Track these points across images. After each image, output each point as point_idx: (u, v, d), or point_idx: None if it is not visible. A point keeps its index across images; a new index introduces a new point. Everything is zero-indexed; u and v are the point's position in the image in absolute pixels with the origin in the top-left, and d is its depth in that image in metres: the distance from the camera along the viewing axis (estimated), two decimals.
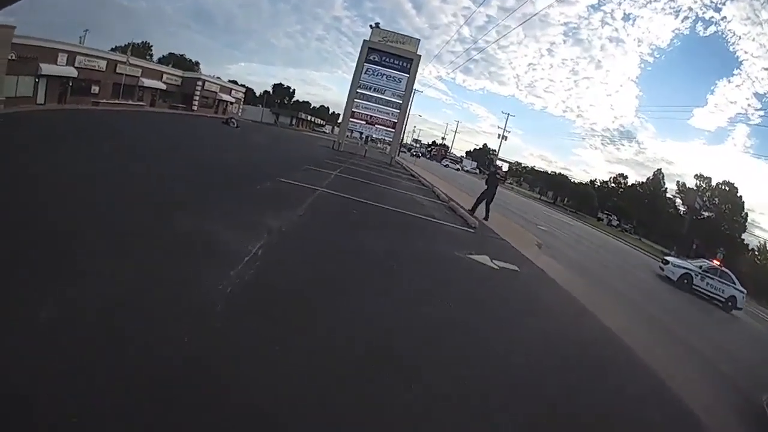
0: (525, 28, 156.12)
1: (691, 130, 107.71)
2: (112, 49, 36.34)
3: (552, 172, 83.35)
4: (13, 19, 31.22)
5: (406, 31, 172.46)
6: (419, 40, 32.57)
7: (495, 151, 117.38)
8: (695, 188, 56.76)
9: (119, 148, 12.02)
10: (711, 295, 16.24)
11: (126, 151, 11.37)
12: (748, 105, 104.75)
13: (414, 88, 32.79)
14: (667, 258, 18.95)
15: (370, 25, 31.82)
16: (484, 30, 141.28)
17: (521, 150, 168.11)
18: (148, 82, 40.06)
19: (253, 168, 12.51)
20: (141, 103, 38.96)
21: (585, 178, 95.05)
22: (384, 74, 31.26)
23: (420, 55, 32.25)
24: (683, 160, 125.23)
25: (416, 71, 32.23)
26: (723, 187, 55.71)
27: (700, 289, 16.09)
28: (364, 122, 31.51)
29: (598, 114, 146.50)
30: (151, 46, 78.30)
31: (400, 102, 31.68)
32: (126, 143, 13.74)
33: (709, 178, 56.80)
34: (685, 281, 16.18)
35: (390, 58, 31.33)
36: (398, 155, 32.23)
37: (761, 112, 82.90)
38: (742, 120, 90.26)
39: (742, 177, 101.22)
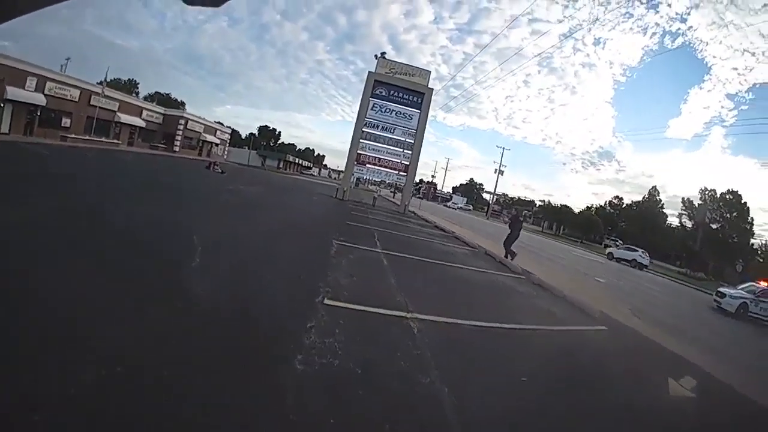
0: (501, 62, 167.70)
1: (668, 142, 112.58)
2: (98, 84, 33.65)
3: (556, 204, 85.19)
4: (7, 43, 29.00)
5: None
6: (429, 72, 30.86)
7: (482, 184, 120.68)
8: (703, 203, 57.93)
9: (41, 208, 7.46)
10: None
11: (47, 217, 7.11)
12: (721, 107, 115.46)
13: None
14: (721, 290, 18.49)
15: (375, 55, 30.04)
16: (461, 66, 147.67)
17: (504, 181, 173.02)
18: (125, 118, 37.74)
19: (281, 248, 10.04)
20: (116, 141, 36.21)
21: (568, 202, 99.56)
22: (393, 110, 29.06)
23: (432, 89, 30.43)
24: (663, 172, 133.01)
25: (428, 106, 30.19)
26: (728, 197, 56.59)
27: (755, 315, 16.23)
28: (372, 165, 28.84)
29: (576, 138, 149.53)
30: (138, 83, 78.13)
31: (412, 142, 29.25)
32: (68, 193, 10.69)
33: (714, 190, 57.96)
34: (742, 311, 16.33)
35: (399, 92, 29.31)
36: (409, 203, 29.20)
37: (734, 112, 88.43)
38: (716, 123, 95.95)
39: (722, 177, 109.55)
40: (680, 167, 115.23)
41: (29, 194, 8.48)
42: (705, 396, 5.38)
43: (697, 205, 58.98)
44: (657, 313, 12.36)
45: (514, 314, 7.41)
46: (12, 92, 26.65)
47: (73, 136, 29.99)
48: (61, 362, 2.86)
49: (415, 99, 29.53)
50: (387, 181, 35.10)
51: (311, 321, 4.58)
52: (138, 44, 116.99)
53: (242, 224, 10.33)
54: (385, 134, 28.94)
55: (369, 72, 29.20)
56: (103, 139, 33.73)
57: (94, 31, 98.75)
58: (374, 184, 69.13)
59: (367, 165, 28.92)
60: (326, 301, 5.35)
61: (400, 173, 29.39)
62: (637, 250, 37.26)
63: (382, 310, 5.56)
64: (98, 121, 33.54)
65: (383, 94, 28.92)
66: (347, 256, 8.58)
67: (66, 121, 31.50)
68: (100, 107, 33.54)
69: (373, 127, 28.74)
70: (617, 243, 58.33)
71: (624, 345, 7.04)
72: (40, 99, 28.89)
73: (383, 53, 30.01)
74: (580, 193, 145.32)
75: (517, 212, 18.52)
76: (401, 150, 29.19)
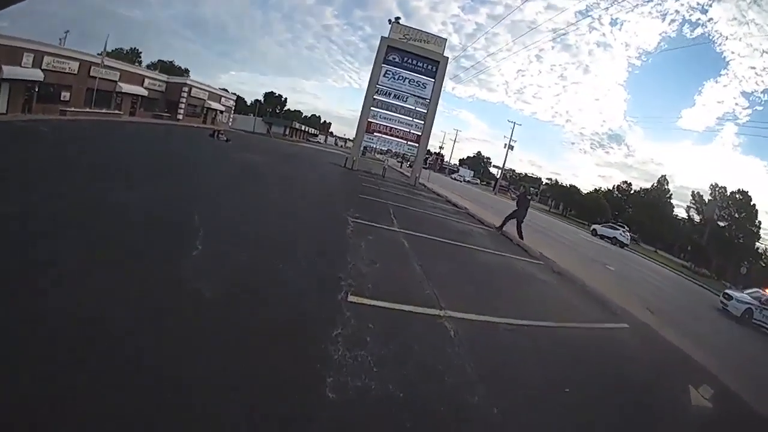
0: (514, 35, 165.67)
1: (679, 132, 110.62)
2: (98, 54, 32.73)
3: (564, 184, 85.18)
4: (5, 24, 28.28)
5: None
6: (445, 39, 29.49)
7: (489, 158, 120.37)
8: (713, 199, 57.94)
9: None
10: None
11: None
12: (736, 104, 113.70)
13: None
14: (729, 292, 18.35)
15: (389, 20, 28.69)
16: (473, 38, 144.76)
17: (512, 156, 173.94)
18: (127, 88, 36.72)
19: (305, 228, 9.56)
20: (117, 111, 35.40)
21: (575, 183, 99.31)
22: (406, 78, 27.94)
23: (447, 57, 29.17)
24: (672, 161, 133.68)
25: (443, 76, 29.08)
26: (738, 196, 56.50)
27: (759, 322, 16.08)
28: (382, 135, 27.96)
29: (586, 118, 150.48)
30: (140, 52, 76.83)
31: (425, 111, 28.26)
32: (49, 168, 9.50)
33: (724, 188, 57.69)
34: (746, 316, 16.25)
35: (413, 59, 28.12)
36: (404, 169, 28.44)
37: (748, 111, 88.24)
38: (729, 119, 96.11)
39: (730, 175, 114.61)
40: (689, 159, 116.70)
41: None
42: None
43: (707, 201, 58.72)
44: (669, 309, 12.29)
45: (543, 309, 7.01)
46: (8, 71, 25.86)
47: (72, 109, 29.24)
48: None
49: (429, 67, 28.39)
50: (394, 151, 34.38)
51: (336, 326, 4.10)
52: (141, 13, 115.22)
53: (249, 201, 9.74)
54: (397, 102, 27.95)
55: (382, 37, 27.98)
56: (104, 110, 32.97)
57: (94, 3, 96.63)
58: (380, 153, 68.43)
59: (377, 134, 28.06)
60: (350, 298, 4.89)
61: (411, 143, 28.55)
62: (618, 229, 38.67)
63: (413, 308, 5.13)
64: (99, 92, 32.64)
65: (396, 60, 27.77)
66: (365, 237, 8.12)
67: (65, 95, 30.66)
68: (100, 78, 32.58)
69: (385, 94, 27.73)
70: (623, 229, 58.46)
71: (649, 349, 6.85)
72: (37, 75, 28.06)
73: (397, 18, 28.65)
74: (586, 174, 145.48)
75: (525, 189, 18.10)
76: (413, 120, 28.26)
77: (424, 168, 72.10)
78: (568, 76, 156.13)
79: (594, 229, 40.82)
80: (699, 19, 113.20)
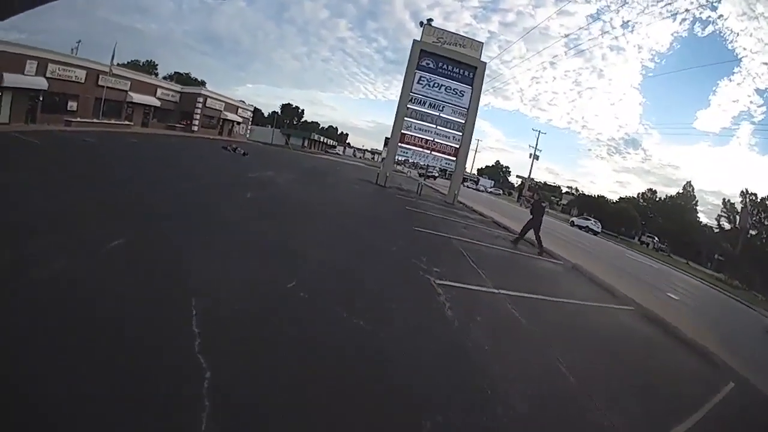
0: (527, 42, 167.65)
1: (695, 133, 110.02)
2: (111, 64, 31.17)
3: (588, 193, 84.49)
4: (23, 36, 26.85)
5: (409, 50, 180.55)
6: (482, 43, 26.88)
7: (507, 167, 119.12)
8: (744, 206, 55.71)
9: None
10: None
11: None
12: (751, 102, 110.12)
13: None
14: None
15: (421, 22, 26.23)
16: (487, 47, 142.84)
17: (528, 163, 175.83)
18: (138, 98, 34.94)
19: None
20: (128, 122, 33.57)
21: (592, 190, 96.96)
22: (442, 85, 25.35)
23: (485, 63, 26.54)
24: (689, 164, 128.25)
25: (481, 82, 26.40)
26: None
27: None
28: (417, 147, 25.34)
29: (602, 124, 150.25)
30: (157, 65, 76.42)
31: (463, 122, 25.63)
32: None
33: (755, 194, 55.61)
34: None
35: (448, 64, 25.58)
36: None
37: (763, 108, 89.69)
38: (745, 118, 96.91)
39: (748, 175, 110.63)
40: (707, 161, 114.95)
41: None
42: None
43: (739, 209, 56.51)
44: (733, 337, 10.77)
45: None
46: (10, 79, 24.25)
47: (78, 119, 27.46)
48: None
49: (465, 73, 25.82)
50: (411, 161, 31.99)
51: None
52: (156, 27, 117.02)
53: (286, 250, 6.95)
54: (432, 112, 25.33)
55: (414, 40, 25.50)
56: (113, 121, 31.14)
57: (110, 17, 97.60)
58: (398, 164, 66.06)
59: (411, 147, 25.40)
60: None
61: (449, 157, 25.85)
62: (590, 219, 46.56)
63: None
64: (108, 102, 30.94)
65: (430, 66, 25.27)
66: (469, 315, 5.66)
67: (72, 105, 28.95)
68: (109, 87, 30.87)
69: (420, 103, 25.12)
70: (653, 240, 59.45)
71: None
72: (41, 83, 26.46)
73: (429, 20, 26.23)
74: (604, 180, 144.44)
75: (539, 197, 17.48)
76: (450, 131, 25.63)
77: (444, 178, 70.52)
78: (583, 82, 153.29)
79: (572, 221, 47.54)
80: (709, 16, 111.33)
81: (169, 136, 34.37)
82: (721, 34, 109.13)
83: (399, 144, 25.01)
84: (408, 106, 24.90)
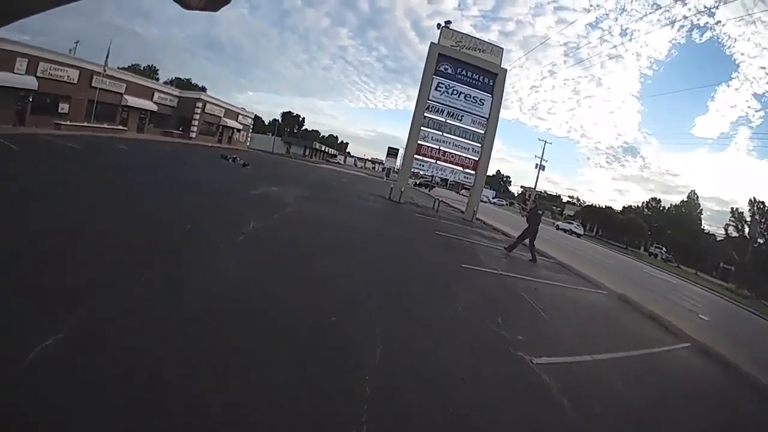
0: (526, 50, 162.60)
1: (694, 140, 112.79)
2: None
3: (594, 204, 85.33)
4: (26, 37, 25.39)
5: (411, 60, 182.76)
6: (502, 49, 25.37)
7: (508, 176, 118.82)
8: (753, 215, 55.30)
9: None
10: None
11: None
12: (749, 107, 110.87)
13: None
14: None
15: (438, 25, 24.66)
16: None
17: (528, 173, 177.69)
18: (134, 101, 33.32)
19: None
20: (122, 127, 31.91)
21: (591, 198, 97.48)
22: (461, 93, 23.76)
23: (506, 70, 25.06)
24: (688, 171, 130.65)
25: (502, 91, 24.88)
26: None
27: None
28: (434, 159, 23.67)
29: (601, 132, 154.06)
30: (157, 69, 75.33)
31: (483, 133, 24.01)
32: None
33: (763, 203, 55.13)
34: None
35: (468, 70, 24.07)
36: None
37: (761, 113, 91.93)
38: (743, 123, 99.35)
39: (746, 181, 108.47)
40: (706, 167, 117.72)
41: None
42: None
43: (749, 219, 55.90)
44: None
45: None
46: None
47: (68, 123, 25.79)
48: None
49: (486, 80, 24.35)
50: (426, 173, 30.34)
51: None
52: (158, 32, 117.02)
53: (300, 295, 5.37)
54: (451, 122, 23.73)
55: (431, 43, 23.98)
56: (106, 125, 29.44)
57: (112, 21, 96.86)
58: (395, 173, 64.98)
59: (428, 158, 23.73)
60: None
61: (468, 171, 24.17)
62: (573, 223, 54.79)
63: None
64: (101, 105, 29.34)
65: (449, 71, 23.74)
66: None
67: (63, 107, 27.32)
68: (103, 89, 29.28)
69: (437, 112, 23.54)
70: (661, 251, 61.07)
71: None
72: (31, 82, 24.85)
73: (448, 22, 24.64)
74: (603, 188, 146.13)
75: (535, 204, 16.73)
76: (469, 142, 24.02)
77: (446, 188, 69.08)
78: (582, 90, 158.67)
79: (557, 225, 53.60)
80: (707, 22, 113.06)
81: (165, 143, 32.48)
82: (719, 40, 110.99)
83: (414, 156, 23.34)
84: (425, 114, 23.29)
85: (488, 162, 24.58)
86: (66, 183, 9.65)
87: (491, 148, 24.46)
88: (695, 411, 5.12)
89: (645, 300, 11.84)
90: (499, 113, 24.60)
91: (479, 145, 23.97)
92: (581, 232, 51.60)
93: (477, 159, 23.99)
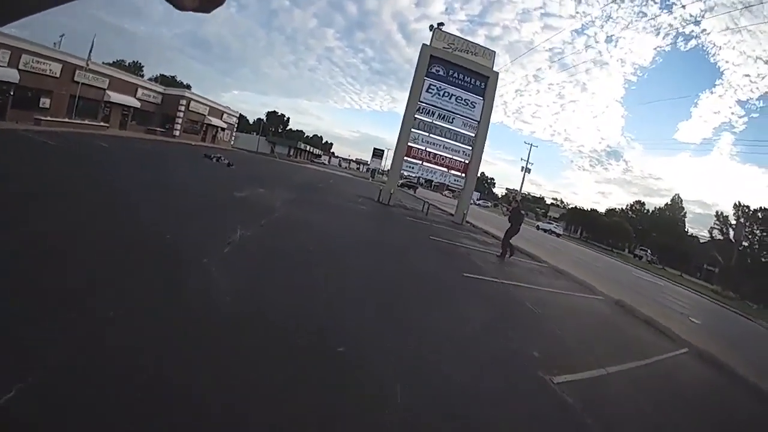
0: (512, 55, 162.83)
1: (677, 144, 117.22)
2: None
3: (578, 206, 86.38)
4: (13, 30, 24.54)
5: (397, 62, 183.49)
6: (494, 52, 25.37)
7: (492, 179, 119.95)
8: (738, 219, 56.63)
9: None
10: None
11: None
12: (732, 113, 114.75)
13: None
14: None
15: (431, 26, 24.54)
16: None
17: (511, 176, 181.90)
18: (117, 97, 32.69)
19: None
20: (104, 124, 31.18)
21: (575, 200, 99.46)
22: (452, 95, 23.74)
23: (497, 73, 25.10)
24: (671, 175, 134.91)
25: (494, 94, 24.92)
26: (759, 215, 55.40)
27: None
28: (423, 162, 23.55)
29: (585, 136, 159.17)
30: (143, 66, 74.13)
31: (473, 136, 24.00)
32: None
33: (747, 206, 56.57)
34: None
35: (459, 72, 24.05)
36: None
37: (745, 119, 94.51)
38: (726, 129, 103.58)
39: (728, 184, 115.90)
40: (688, 171, 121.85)
41: None
42: None
43: (734, 223, 57.22)
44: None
45: None
46: None
47: (48, 119, 25.05)
48: None
49: (477, 83, 24.35)
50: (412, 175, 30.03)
51: None
52: (145, 29, 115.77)
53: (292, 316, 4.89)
54: (441, 124, 23.67)
55: (423, 45, 23.91)
56: (87, 121, 28.70)
57: (101, 17, 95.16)
58: (381, 173, 65.29)
59: (417, 160, 23.59)
60: None
61: (457, 174, 24.12)
62: (552, 224, 59.75)
63: None
64: (84, 100, 28.66)
65: (440, 73, 23.68)
66: None
67: (45, 102, 26.62)
68: (85, 84, 28.58)
69: (428, 113, 23.46)
70: (646, 253, 62.94)
71: None
72: (13, 75, 24.11)
73: (440, 23, 24.60)
74: (586, 191, 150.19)
75: (518, 204, 16.72)
76: (460, 145, 23.98)
77: (430, 189, 69.21)
78: (566, 95, 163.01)
79: (537, 225, 56.43)
80: (692, 31, 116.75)
81: (147, 141, 31.74)
82: (704, 48, 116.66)
83: (404, 158, 23.21)
84: (415, 116, 23.18)
85: (479, 165, 24.62)
86: (32, 183, 8.64)
87: (482, 151, 24.50)
88: (717, 422, 5.32)
89: (638, 303, 11.99)
90: (490, 116, 24.66)
91: (470, 148, 23.96)
92: (560, 232, 55.89)
93: (467, 162, 23.98)
